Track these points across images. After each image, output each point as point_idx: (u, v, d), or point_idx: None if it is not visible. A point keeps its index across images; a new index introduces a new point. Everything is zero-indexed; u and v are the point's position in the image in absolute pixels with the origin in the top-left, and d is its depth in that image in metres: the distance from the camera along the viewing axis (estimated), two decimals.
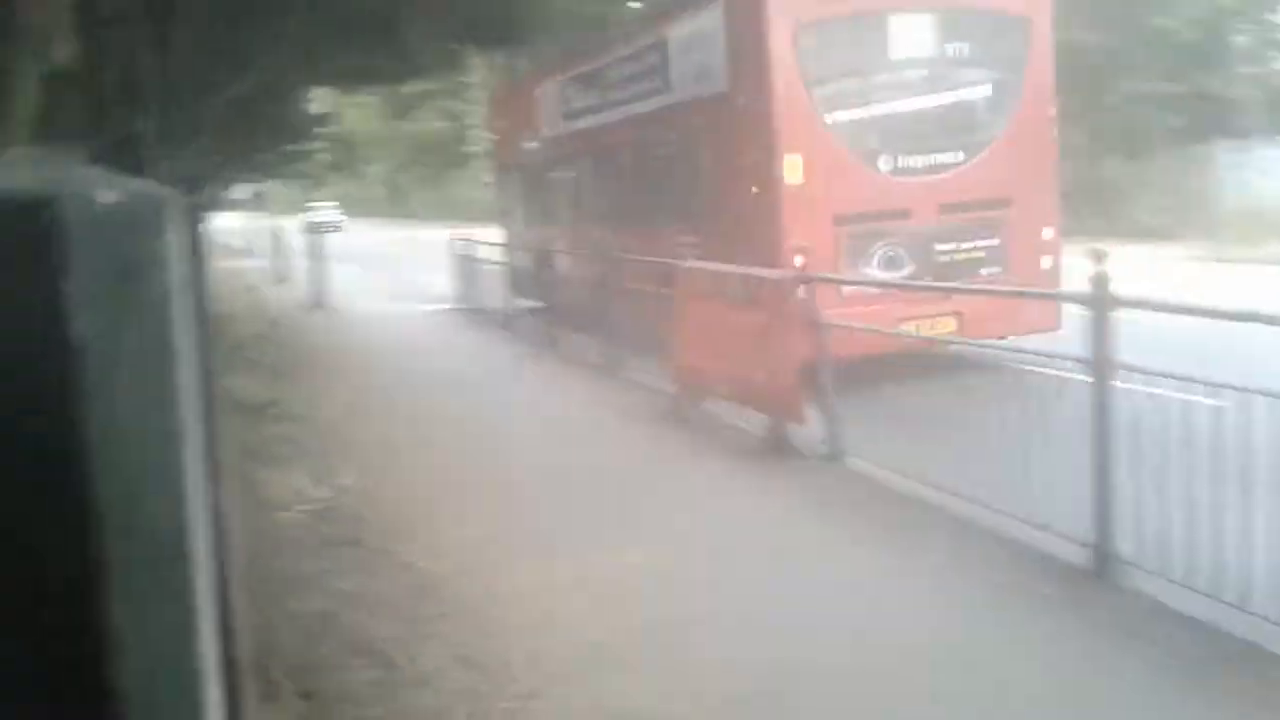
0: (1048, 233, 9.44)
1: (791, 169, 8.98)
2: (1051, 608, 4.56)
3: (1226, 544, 4.19)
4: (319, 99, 21.24)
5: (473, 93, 54.06)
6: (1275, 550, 4.21)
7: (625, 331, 10.13)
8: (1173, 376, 4.57)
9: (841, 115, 9.21)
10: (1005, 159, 9.35)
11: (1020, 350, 5.49)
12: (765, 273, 7.49)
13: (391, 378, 11.52)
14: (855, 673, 4.03)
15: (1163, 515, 4.47)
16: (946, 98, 9.38)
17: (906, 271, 9.09)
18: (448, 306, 17.41)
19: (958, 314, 8.65)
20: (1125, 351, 4.84)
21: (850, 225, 9.08)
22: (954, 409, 5.79)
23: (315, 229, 21.36)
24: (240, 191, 29.63)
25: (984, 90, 9.48)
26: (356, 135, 53.60)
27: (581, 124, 13.16)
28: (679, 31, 10.50)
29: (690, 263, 8.83)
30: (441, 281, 18.05)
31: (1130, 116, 26.68)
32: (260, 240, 26.97)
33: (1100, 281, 4.87)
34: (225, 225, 39.23)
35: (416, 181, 62.22)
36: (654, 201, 11.29)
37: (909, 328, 8.21)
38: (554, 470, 7.15)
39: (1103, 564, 4.77)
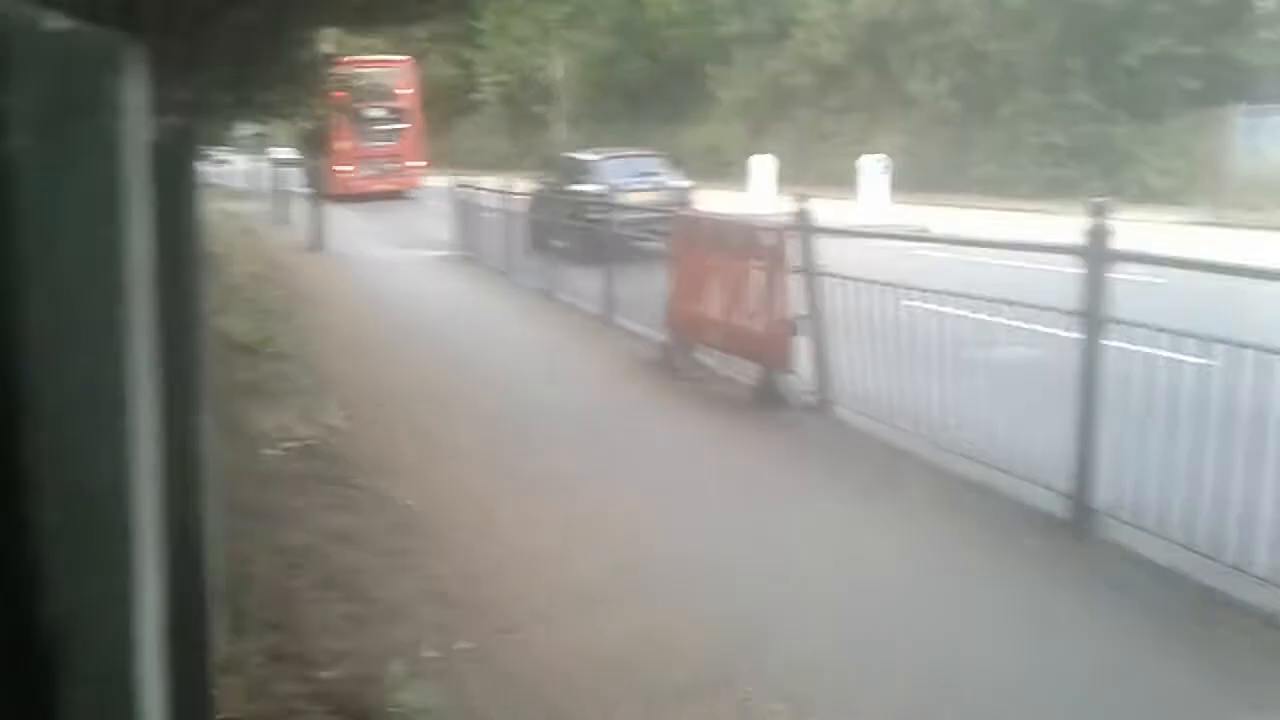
0: (415, 164, 29.23)
1: (339, 146, 24.48)
2: (1029, 557, 4.58)
3: (1202, 497, 4.20)
4: (328, 41, 21.01)
5: (484, 39, 53.62)
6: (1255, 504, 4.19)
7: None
8: (1163, 330, 4.53)
9: (356, 132, 26.01)
10: (403, 143, 29.21)
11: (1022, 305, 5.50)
12: None
13: (387, 319, 11.52)
14: (832, 615, 4.05)
15: (1141, 469, 4.48)
16: (382, 127, 27.77)
17: (374, 171, 28.02)
18: (447, 253, 17.35)
19: (393, 186, 27.10)
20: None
21: (357, 158, 27.31)
22: (938, 361, 5.76)
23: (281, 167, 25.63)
24: (244, 131, 29.55)
25: (395, 125, 28.77)
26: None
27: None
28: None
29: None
30: (442, 228, 17.97)
31: (1146, 78, 26.34)
32: (261, 182, 26.93)
33: (1097, 235, 4.81)
34: (227, 166, 38.98)
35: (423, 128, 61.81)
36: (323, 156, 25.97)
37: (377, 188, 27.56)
38: (542, 410, 7.17)
39: (1082, 515, 4.78)
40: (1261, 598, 3.98)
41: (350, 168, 26.23)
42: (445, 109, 60.20)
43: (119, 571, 0.68)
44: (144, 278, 0.77)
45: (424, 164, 28.33)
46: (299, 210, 20.89)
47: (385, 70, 27.12)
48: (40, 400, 0.56)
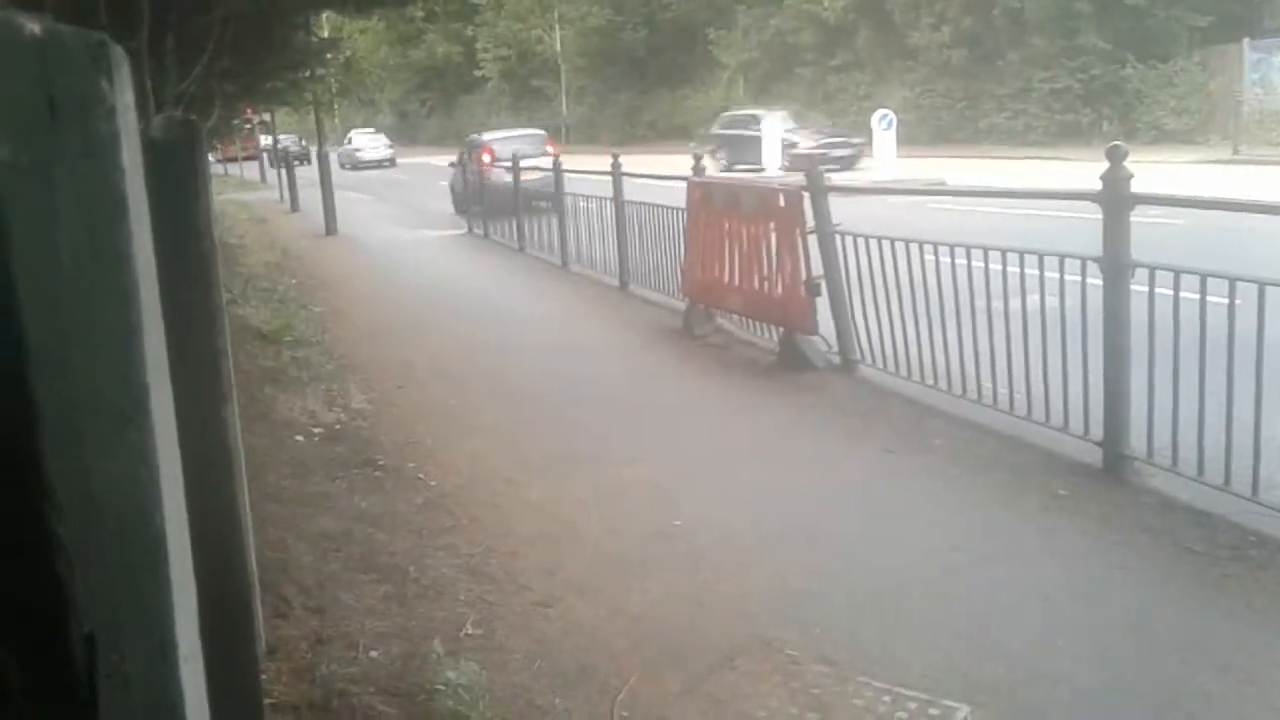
0: (256, 143, 39.45)
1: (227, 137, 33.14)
2: (1061, 505, 4.57)
3: (1237, 438, 4.17)
4: (326, 25, 21.01)
5: (482, 15, 53.33)
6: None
7: None
8: (1186, 271, 4.47)
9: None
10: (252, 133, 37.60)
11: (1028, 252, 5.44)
12: None
13: (402, 300, 11.53)
14: (867, 572, 4.05)
15: (1173, 412, 4.44)
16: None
17: (240, 147, 39.86)
18: (459, 231, 17.34)
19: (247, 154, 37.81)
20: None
21: (233, 141, 37.52)
22: (962, 314, 5.72)
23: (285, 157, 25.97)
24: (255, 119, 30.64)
25: (247, 126, 32.16)
26: (365, 62, 53.04)
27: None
28: None
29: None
30: (451, 207, 17.96)
31: (1153, 18, 25.99)
32: (272, 171, 27.25)
33: (1116, 180, 4.75)
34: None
35: (426, 108, 61.68)
36: None
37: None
38: (566, 384, 7.18)
39: (1114, 461, 4.76)
40: None
41: (228, 146, 37.95)
42: (447, 87, 60.13)
43: (150, 580, 0.67)
44: (150, 278, 0.76)
45: (260, 143, 39.08)
46: (310, 198, 20.92)
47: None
48: (50, 414, 0.55)
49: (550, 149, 19.12)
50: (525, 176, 14.68)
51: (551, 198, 13.07)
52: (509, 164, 15.10)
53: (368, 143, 45.40)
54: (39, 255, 0.54)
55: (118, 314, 0.63)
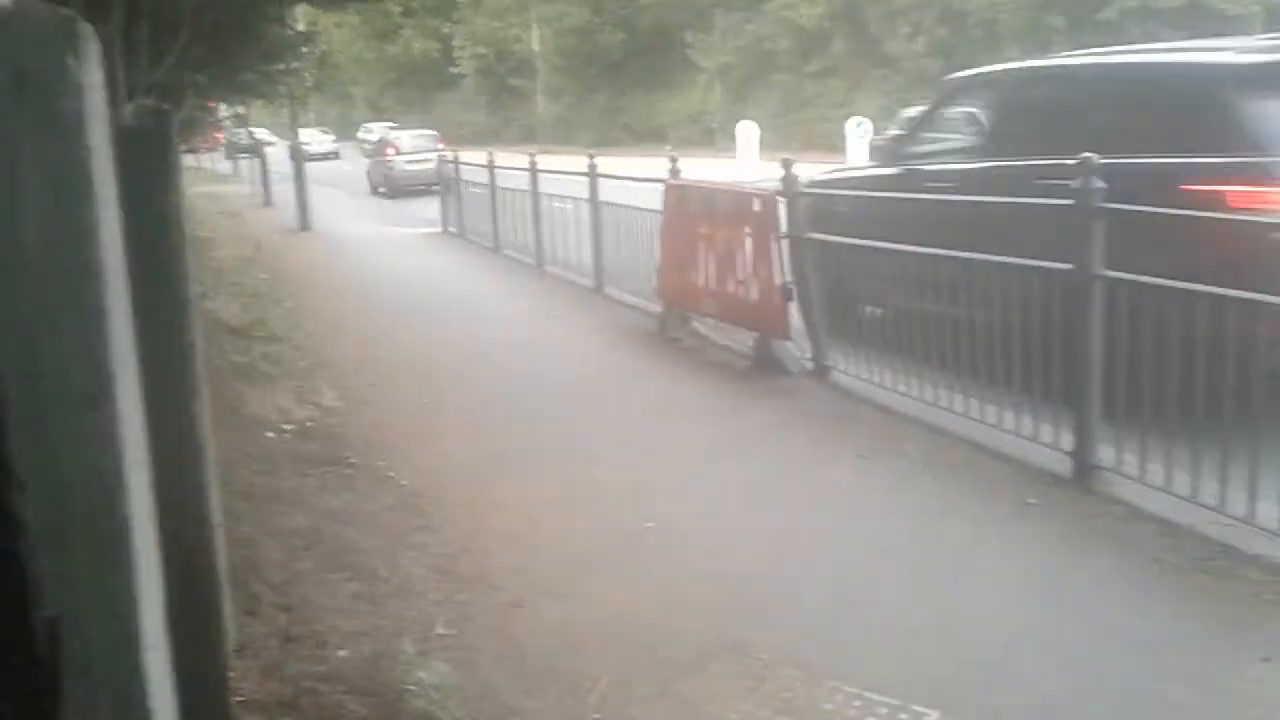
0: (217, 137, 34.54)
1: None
2: (1029, 514, 4.59)
3: (1208, 449, 4.20)
4: (302, 18, 20.83)
5: (461, 12, 53.17)
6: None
7: None
8: (1152, 280, 4.51)
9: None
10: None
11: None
12: None
13: (375, 298, 11.46)
14: (838, 577, 4.06)
15: (1142, 421, 4.47)
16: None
17: (201, 138, 28.17)
18: (433, 229, 17.26)
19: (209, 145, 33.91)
20: None
21: (198, 133, 24.41)
22: (933, 321, 5.75)
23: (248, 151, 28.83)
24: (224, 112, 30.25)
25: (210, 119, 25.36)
26: (340, 57, 52.81)
27: None
28: None
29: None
30: (426, 204, 17.88)
31: (1126, 32, 26.25)
32: (245, 164, 27.07)
33: (1086, 192, 4.78)
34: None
35: (403, 104, 61.46)
36: None
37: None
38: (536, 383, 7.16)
39: (1084, 472, 4.79)
40: (1272, 549, 3.98)
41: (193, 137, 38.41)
42: (424, 84, 59.85)
43: (115, 567, 0.65)
44: (117, 262, 0.74)
45: (220, 137, 38.86)
46: (283, 192, 20.78)
47: None
48: (13, 394, 0.53)
49: (441, 145, 24.84)
50: (418, 166, 22.00)
51: (440, 183, 17.85)
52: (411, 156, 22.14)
53: (314, 137, 48.90)
54: (2, 233, 0.53)
55: (82, 294, 0.61)
